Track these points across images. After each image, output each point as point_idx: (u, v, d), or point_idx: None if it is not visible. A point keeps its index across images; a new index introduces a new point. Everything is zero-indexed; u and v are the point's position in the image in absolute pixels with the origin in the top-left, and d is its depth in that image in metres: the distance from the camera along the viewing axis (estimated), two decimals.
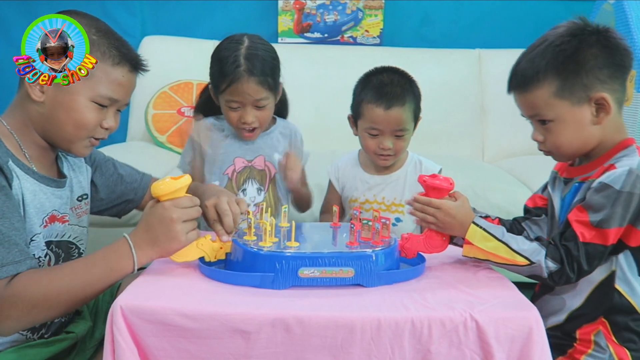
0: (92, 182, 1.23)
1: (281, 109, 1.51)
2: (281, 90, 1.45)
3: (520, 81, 1.07)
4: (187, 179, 0.99)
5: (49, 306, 0.94)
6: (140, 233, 0.98)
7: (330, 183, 1.55)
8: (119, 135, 2.71)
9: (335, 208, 1.18)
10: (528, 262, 1.02)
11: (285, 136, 1.49)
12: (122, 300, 0.87)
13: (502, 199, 1.98)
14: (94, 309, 1.21)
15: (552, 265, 1.01)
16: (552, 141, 1.07)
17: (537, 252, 1.02)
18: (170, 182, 0.98)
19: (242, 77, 1.33)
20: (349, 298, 0.92)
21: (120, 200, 1.28)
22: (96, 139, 1.09)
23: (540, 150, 1.11)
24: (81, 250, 1.16)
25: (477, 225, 1.06)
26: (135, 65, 1.08)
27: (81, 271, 0.96)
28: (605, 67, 1.02)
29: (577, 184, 1.09)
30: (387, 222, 1.07)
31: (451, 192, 1.10)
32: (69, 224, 1.11)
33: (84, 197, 1.19)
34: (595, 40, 1.02)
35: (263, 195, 1.44)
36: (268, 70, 1.36)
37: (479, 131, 2.62)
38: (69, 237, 1.12)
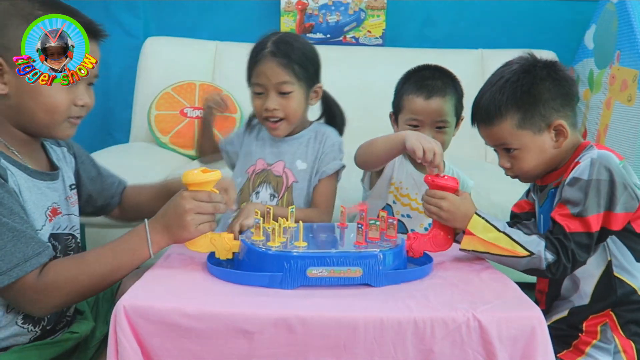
0: (76, 173, 1.22)
1: (331, 117, 1.45)
2: (320, 92, 1.40)
3: (484, 116, 1.16)
4: (215, 174, 1.02)
5: (83, 292, 0.99)
6: (159, 217, 1.02)
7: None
8: (122, 136, 2.73)
9: (342, 209, 1.17)
10: (528, 254, 1.05)
11: (316, 142, 1.42)
12: (126, 301, 0.87)
13: (504, 199, 1.93)
14: (95, 308, 1.22)
15: (550, 257, 1.05)
16: (518, 167, 1.16)
17: (536, 244, 1.05)
18: (198, 173, 1.01)
19: (264, 58, 1.32)
20: (353, 298, 0.93)
21: (96, 200, 1.27)
22: (76, 117, 1.06)
23: (508, 175, 1.20)
24: (77, 240, 1.15)
25: (480, 216, 1.09)
26: (94, 33, 1.03)
27: (108, 256, 0.99)
28: (557, 97, 1.13)
29: (552, 190, 1.16)
30: (394, 222, 1.08)
31: (457, 191, 1.13)
32: (62, 215, 1.11)
33: (73, 186, 1.18)
34: (546, 74, 1.13)
35: (276, 202, 1.40)
36: (295, 56, 1.32)
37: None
38: (66, 228, 1.12)
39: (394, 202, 1.47)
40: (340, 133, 1.47)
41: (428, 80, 1.39)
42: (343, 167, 1.42)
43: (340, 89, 2.52)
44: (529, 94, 1.12)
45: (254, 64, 1.34)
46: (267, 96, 1.34)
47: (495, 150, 1.20)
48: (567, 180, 1.09)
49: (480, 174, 2.19)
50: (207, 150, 1.51)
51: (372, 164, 1.39)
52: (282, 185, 1.42)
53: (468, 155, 2.55)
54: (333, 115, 1.47)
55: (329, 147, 1.41)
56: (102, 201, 1.29)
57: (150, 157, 2.35)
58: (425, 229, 1.45)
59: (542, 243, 1.06)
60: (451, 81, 1.42)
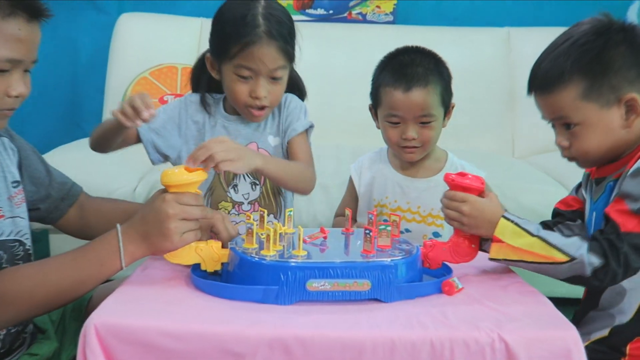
0: (19, 169, 1.18)
1: (292, 90, 1.44)
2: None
3: (542, 82, 1.12)
4: (201, 174, 1.01)
5: (39, 307, 0.98)
6: (134, 223, 1.00)
7: (350, 182, 1.53)
8: (92, 127, 2.70)
9: (348, 211, 1.18)
10: (568, 259, 1.02)
11: (280, 110, 1.42)
12: (97, 318, 0.86)
13: (535, 200, 1.98)
14: (61, 327, 1.21)
15: (596, 261, 1.01)
16: (578, 147, 1.11)
17: (577, 246, 1.03)
18: (181, 172, 1.00)
19: (260, 40, 1.27)
20: (360, 315, 0.93)
21: (42, 203, 1.23)
22: (8, 109, 1.03)
23: (565, 156, 1.15)
24: (27, 246, 1.14)
25: (508, 219, 1.07)
26: (33, 12, 1.00)
27: (70, 267, 0.98)
28: (633, 66, 1.06)
29: (611, 183, 1.12)
30: (397, 219, 1.11)
31: (482, 192, 1.11)
32: (4, 219, 1.09)
33: (16, 183, 1.15)
34: (622, 39, 1.07)
35: (259, 190, 1.41)
36: (287, 35, 1.31)
37: (507, 122, 2.63)
38: (10, 233, 1.10)
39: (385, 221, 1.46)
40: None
41: (407, 68, 1.36)
42: (312, 126, 1.42)
43: (344, 72, 2.56)
44: (598, 59, 1.07)
45: (243, 43, 1.28)
46: (256, 82, 1.31)
47: (552, 125, 1.16)
48: (631, 170, 1.05)
49: (506, 172, 2.20)
50: (108, 148, 1.38)
51: None
52: None
53: (491, 150, 2.56)
54: (295, 89, 1.46)
55: (293, 109, 1.42)
56: (49, 205, 1.24)
57: (124, 153, 2.32)
58: (430, 239, 1.43)
59: (584, 245, 1.02)
60: (435, 66, 1.39)
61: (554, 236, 1.05)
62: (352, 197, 1.52)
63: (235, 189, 1.40)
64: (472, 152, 2.30)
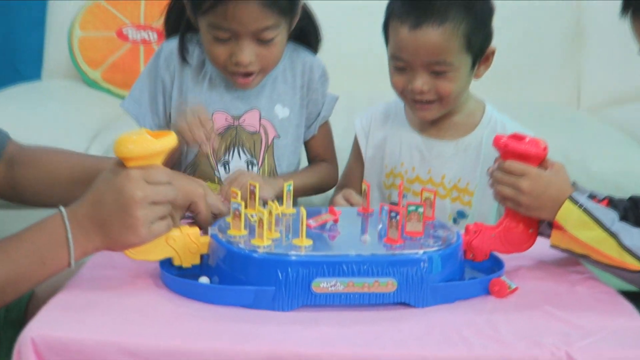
0: None
1: (303, 33, 1.48)
2: (299, 11, 1.42)
3: None
4: (170, 139, 0.98)
5: None
6: (85, 208, 0.98)
7: (355, 143, 1.54)
8: (31, 70, 2.73)
9: (365, 185, 1.17)
10: None
11: (296, 74, 1.46)
12: (35, 330, 0.86)
13: (608, 167, 2.00)
14: None
15: None
16: None
17: None
18: (145, 139, 0.96)
19: None
20: (382, 326, 0.92)
21: None
22: None
23: None
24: None
25: (575, 202, 1.07)
26: None
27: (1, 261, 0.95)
28: None
29: None
30: (432, 196, 1.11)
31: (544, 161, 1.12)
32: None
33: None
34: None
35: (256, 171, 1.45)
36: None
37: (573, 66, 2.63)
38: None
39: (404, 196, 1.45)
40: (315, 52, 1.53)
41: None
42: (337, 99, 1.52)
43: (360, 3, 2.52)
44: None
45: None
46: (238, 45, 1.33)
47: None
48: None
49: (569, 129, 2.23)
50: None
51: None
52: (260, 145, 1.45)
53: (550, 100, 2.57)
54: (306, 32, 1.49)
55: (319, 81, 1.48)
56: None
57: (72, 101, 2.37)
58: (455, 219, 1.46)
59: None
60: None
61: (631, 235, 1.05)
62: (359, 162, 1.52)
63: (226, 167, 1.43)
64: (528, 104, 2.32)
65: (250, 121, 1.44)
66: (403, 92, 1.39)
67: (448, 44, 1.33)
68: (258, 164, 1.44)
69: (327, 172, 1.52)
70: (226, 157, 1.44)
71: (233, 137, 1.44)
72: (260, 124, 1.44)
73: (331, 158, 1.55)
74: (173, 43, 1.45)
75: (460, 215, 1.44)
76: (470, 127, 1.46)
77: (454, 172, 1.44)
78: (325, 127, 1.53)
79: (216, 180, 1.42)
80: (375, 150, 1.50)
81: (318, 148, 1.53)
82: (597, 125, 2.32)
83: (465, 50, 1.36)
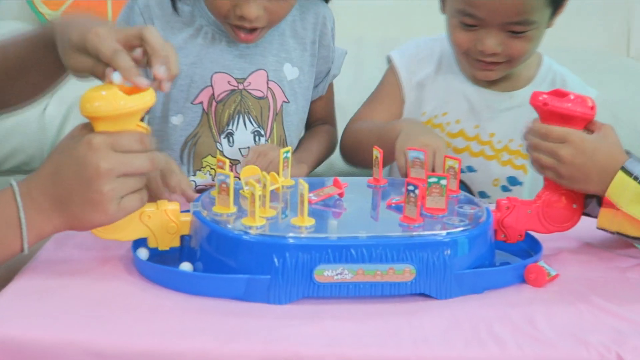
0: None
1: None
2: None
3: None
4: (147, 97, 0.96)
5: None
6: (41, 181, 0.97)
7: (390, 75, 1.55)
8: None
9: (378, 151, 1.16)
10: None
11: (307, 28, 1.48)
12: None
13: None
14: None
15: None
16: None
17: None
18: (114, 95, 0.95)
19: None
20: (398, 322, 0.93)
21: None
22: None
23: None
24: None
25: (630, 173, 1.08)
26: None
27: None
28: None
29: None
30: (457, 165, 1.13)
31: (590, 123, 1.12)
32: None
33: None
34: None
35: (264, 142, 1.47)
36: None
37: (621, 7, 2.64)
38: None
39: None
40: None
41: None
42: (346, 54, 1.57)
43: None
44: None
45: None
46: None
47: None
48: None
49: (619, 82, 2.21)
50: None
51: (361, 162, 1.53)
52: (267, 112, 1.46)
53: (598, 48, 2.59)
54: None
55: (331, 35, 1.52)
56: None
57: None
58: (504, 187, 1.49)
59: None
60: None
61: None
62: (392, 104, 1.53)
63: (230, 139, 1.43)
64: (569, 51, 2.32)
65: (256, 84, 1.44)
66: (467, 52, 1.42)
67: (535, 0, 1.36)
68: (266, 134, 1.45)
69: (334, 137, 1.57)
70: (230, 127, 1.43)
71: (237, 103, 1.44)
72: (267, 88, 1.45)
73: (333, 120, 1.60)
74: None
75: (512, 182, 1.47)
76: (526, 79, 1.50)
77: (505, 130, 1.48)
78: (331, 87, 1.57)
79: (218, 153, 1.43)
80: (415, 93, 1.52)
81: (322, 110, 1.57)
82: None
83: (549, 2, 1.38)
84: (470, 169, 1.47)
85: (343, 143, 1.54)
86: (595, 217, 1.11)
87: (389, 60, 1.55)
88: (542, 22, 1.39)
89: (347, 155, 1.55)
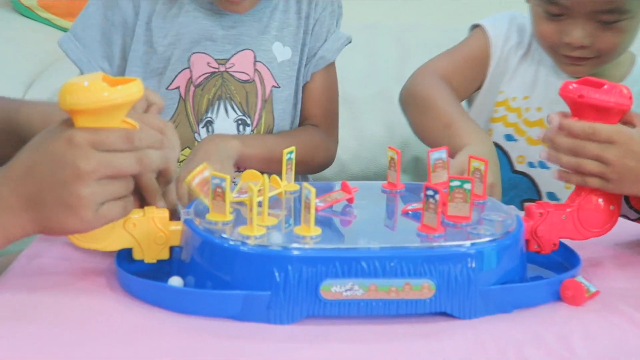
0: None
1: None
2: None
3: None
4: (134, 88, 0.97)
5: None
6: (12, 180, 0.98)
7: (476, 38, 1.58)
8: None
9: (394, 152, 1.17)
10: None
11: (301, 1, 1.50)
12: None
13: None
14: None
15: None
16: None
17: None
18: (100, 86, 0.95)
19: None
20: (414, 344, 0.93)
21: None
22: None
23: None
24: None
25: None
26: None
27: None
28: None
29: None
30: (484, 166, 1.12)
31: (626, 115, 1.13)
32: None
33: None
34: None
35: (249, 132, 1.46)
36: None
37: None
38: None
39: (508, 139, 1.51)
40: None
41: None
42: (349, 41, 1.54)
43: None
44: None
45: None
46: None
47: None
48: None
49: None
50: None
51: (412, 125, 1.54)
52: (255, 98, 1.45)
53: None
54: None
55: (329, 12, 1.52)
56: None
57: (1, 36, 2.40)
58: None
59: None
60: None
61: None
62: (476, 63, 1.56)
63: (209, 128, 1.45)
64: None
65: (241, 66, 1.45)
66: (553, 45, 1.45)
67: None
68: (252, 124, 1.45)
69: (319, 147, 1.51)
70: (209, 115, 1.45)
71: (218, 87, 1.45)
72: (254, 70, 1.45)
73: (327, 125, 1.55)
74: None
75: None
76: (616, 79, 1.49)
77: None
78: (326, 77, 1.53)
79: (195, 144, 1.43)
80: (499, 67, 1.55)
81: (314, 109, 1.53)
82: None
83: None
84: (543, 165, 1.48)
85: (407, 88, 1.53)
86: (629, 218, 1.13)
87: (472, 28, 1.58)
88: (637, 12, 1.40)
89: (404, 103, 1.54)
